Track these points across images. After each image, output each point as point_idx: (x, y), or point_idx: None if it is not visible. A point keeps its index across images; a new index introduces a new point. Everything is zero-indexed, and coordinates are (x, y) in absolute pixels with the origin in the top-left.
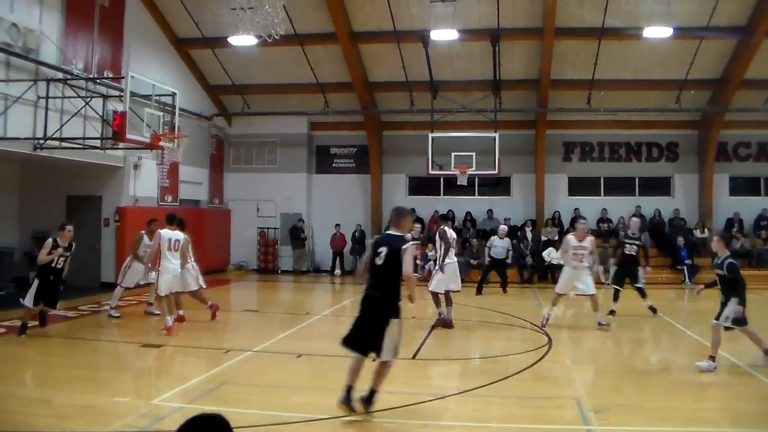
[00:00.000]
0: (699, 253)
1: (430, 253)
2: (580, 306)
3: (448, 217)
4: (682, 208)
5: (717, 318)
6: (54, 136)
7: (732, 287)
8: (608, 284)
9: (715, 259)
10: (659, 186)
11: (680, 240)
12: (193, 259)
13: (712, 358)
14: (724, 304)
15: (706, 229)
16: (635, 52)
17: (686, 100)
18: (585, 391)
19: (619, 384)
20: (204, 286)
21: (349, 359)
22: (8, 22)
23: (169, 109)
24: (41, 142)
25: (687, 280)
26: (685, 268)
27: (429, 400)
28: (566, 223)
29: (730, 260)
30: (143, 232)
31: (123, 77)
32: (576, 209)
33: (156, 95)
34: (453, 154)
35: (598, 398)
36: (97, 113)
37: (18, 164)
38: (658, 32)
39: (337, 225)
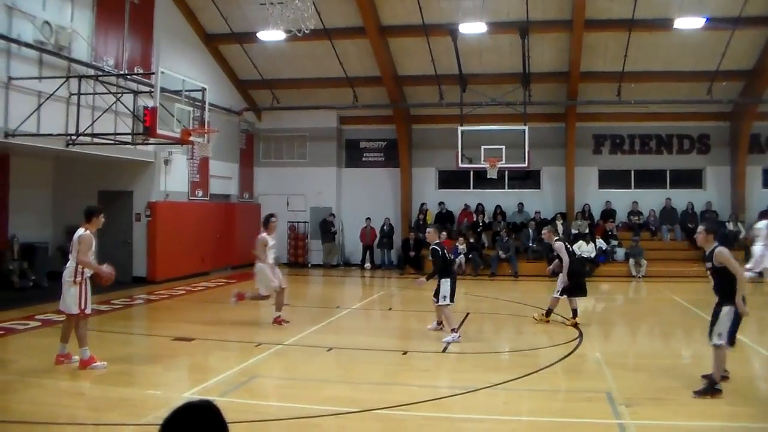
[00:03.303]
0: (732, 246)
1: (460, 247)
2: (611, 300)
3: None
4: (714, 201)
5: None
6: (86, 132)
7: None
8: (639, 278)
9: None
10: (691, 178)
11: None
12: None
13: (454, 330)
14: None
15: (738, 222)
16: (666, 44)
17: (718, 92)
18: (616, 385)
19: (651, 378)
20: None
21: (378, 352)
22: (41, 21)
23: (199, 104)
24: (73, 138)
25: None
26: None
27: (459, 394)
28: (597, 216)
29: (434, 246)
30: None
31: (153, 73)
32: (607, 202)
33: (186, 90)
34: (483, 147)
35: (629, 392)
36: (128, 109)
37: (51, 160)
38: (689, 23)
39: (368, 219)
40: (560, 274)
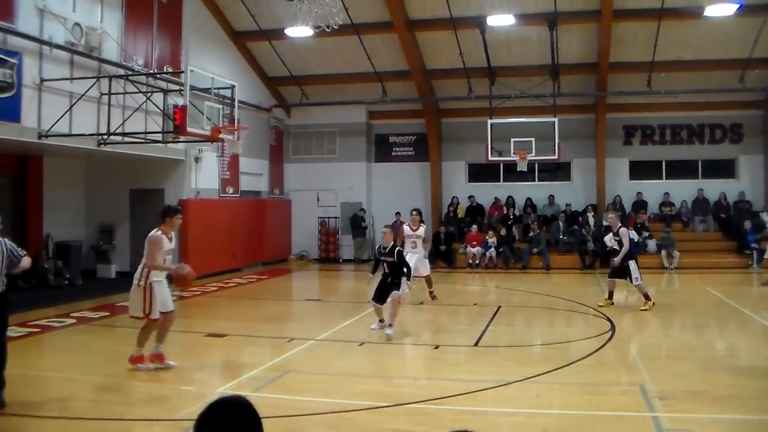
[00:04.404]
0: (766, 237)
1: (491, 240)
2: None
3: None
4: (747, 191)
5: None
6: (117, 132)
7: (398, 271)
8: (671, 269)
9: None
10: (723, 168)
11: (747, 223)
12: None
13: (390, 325)
14: (394, 285)
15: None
16: (696, 32)
17: (750, 80)
18: (649, 378)
19: (685, 370)
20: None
21: (410, 346)
22: (71, 22)
23: (229, 101)
24: (105, 137)
25: (755, 264)
26: (754, 252)
27: (492, 387)
28: (628, 208)
29: (398, 248)
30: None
31: (182, 71)
32: (638, 193)
33: (215, 88)
34: (512, 139)
35: (663, 385)
36: (158, 108)
37: (84, 160)
38: (720, 10)
39: (398, 213)
40: (629, 261)
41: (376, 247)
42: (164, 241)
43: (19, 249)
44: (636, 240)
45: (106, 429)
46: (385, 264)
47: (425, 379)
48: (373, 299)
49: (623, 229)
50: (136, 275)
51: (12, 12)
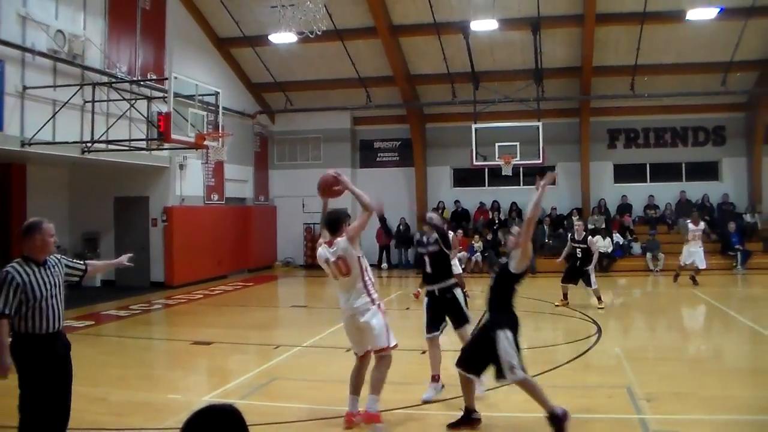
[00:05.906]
0: (750, 238)
1: (477, 245)
2: (629, 294)
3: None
4: (731, 193)
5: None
6: (101, 139)
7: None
8: (656, 272)
9: None
10: (707, 171)
11: (731, 225)
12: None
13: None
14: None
15: (756, 214)
16: (678, 36)
17: (732, 83)
18: (636, 380)
19: (671, 372)
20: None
21: (397, 352)
22: (54, 29)
23: (213, 108)
24: (89, 145)
25: (739, 265)
26: (738, 253)
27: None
28: (613, 211)
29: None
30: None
31: (166, 78)
32: (623, 196)
33: (199, 95)
34: (497, 144)
35: (650, 387)
36: (142, 115)
37: (67, 168)
38: (702, 14)
39: (383, 219)
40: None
41: (415, 238)
42: None
43: (75, 260)
44: (621, 243)
45: None
46: (426, 258)
47: (412, 385)
48: (431, 330)
49: (590, 238)
50: (363, 299)
51: None
